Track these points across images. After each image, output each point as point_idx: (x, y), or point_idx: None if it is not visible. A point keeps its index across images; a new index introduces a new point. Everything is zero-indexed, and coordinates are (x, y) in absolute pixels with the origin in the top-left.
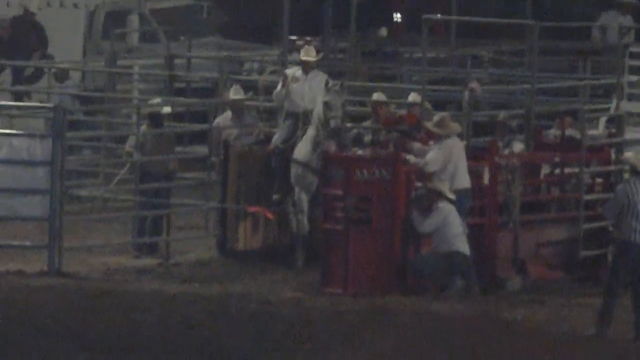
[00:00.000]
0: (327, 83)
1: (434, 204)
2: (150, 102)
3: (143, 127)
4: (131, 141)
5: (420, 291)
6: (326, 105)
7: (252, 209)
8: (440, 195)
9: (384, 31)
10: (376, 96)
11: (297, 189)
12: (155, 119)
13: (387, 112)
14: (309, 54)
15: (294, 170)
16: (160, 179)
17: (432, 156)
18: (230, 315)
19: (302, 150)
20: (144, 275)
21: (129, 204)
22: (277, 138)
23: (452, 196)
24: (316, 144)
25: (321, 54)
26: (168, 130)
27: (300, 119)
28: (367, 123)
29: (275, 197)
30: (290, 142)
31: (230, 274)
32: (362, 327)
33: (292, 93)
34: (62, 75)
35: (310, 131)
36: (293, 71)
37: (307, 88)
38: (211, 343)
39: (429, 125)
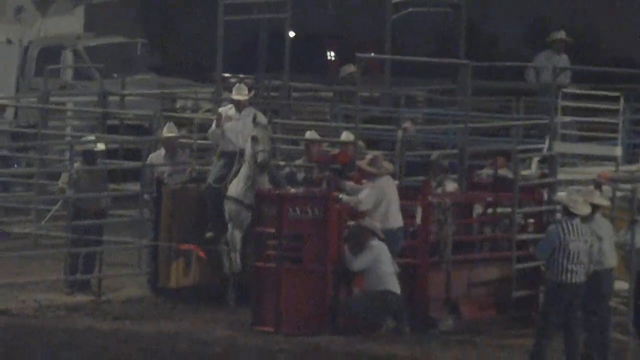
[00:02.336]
0: (254, 118)
1: (365, 243)
2: (83, 139)
3: (76, 164)
4: (64, 178)
5: (351, 330)
6: (253, 139)
7: (184, 247)
8: (372, 234)
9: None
10: (309, 134)
11: (230, 227)
12: (89, 156)
13: (320, 151)
14: (240, 93)
15: (228, 207)
16: (93, 216)
17: (365, 195)
18: (163, 354)
19: (235, 187)
20: (76, 312)
21: (61, 241)
22: (211, 176)
23: (382, 235)
24: (250, 181)
25: (253, 92)
26: (101, 168)
27: (235, 158)
28: (300, 161)
29: (208, 235)
30: (224, 180)
31: (163, 312)
32: None
33: (226, 132)
34: None
35: (244, 169)
36: (226, 109)
37: (241, 126)
38: None
39: (362, 164)
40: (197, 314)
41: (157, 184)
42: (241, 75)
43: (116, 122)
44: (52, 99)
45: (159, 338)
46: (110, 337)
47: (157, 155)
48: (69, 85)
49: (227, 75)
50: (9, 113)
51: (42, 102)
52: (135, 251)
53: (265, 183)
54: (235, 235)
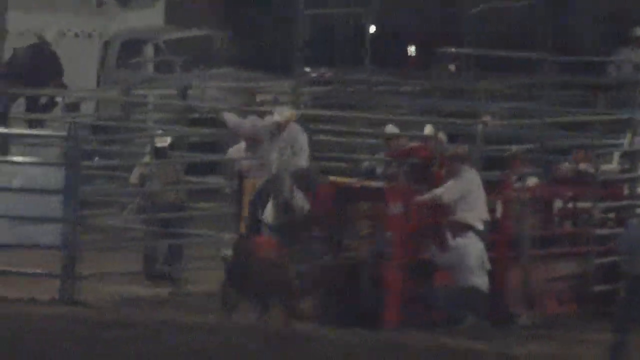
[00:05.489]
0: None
1: (456, 237)
2: (153, 133)
3: (146, 159)
4: (136, 173)
5: (431, 325)
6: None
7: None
8: (465, 228)
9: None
10: (389, 128)
11: None
12: (158, 152)
13: (400, 145)
14: (282, 115)
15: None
16: (167, 209)
17: (449, 186)
18: (243, 347)
19: (269, 211)
20: (157, 305)
21: (142, 233)
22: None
23: (480, 227)
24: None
25: (296, 113)
26: (174, 161)
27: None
28: (379, 155)
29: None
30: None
31: (242, 304)
32: None
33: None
34: (72, 106)
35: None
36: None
37: (280, 147)
38: None
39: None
40: (277, 307)
41: (238, 177)
42: (322, 70)
43: (197, 115)
44: (133, 92)
45: (239, 331)
46: (191, 330)
47: (238, 149)
48: (150, 79)
49: (307, 69)
50: (90, 106)
51: (124, 96)
52: (216, 244)
53: (299, 201)
54: None
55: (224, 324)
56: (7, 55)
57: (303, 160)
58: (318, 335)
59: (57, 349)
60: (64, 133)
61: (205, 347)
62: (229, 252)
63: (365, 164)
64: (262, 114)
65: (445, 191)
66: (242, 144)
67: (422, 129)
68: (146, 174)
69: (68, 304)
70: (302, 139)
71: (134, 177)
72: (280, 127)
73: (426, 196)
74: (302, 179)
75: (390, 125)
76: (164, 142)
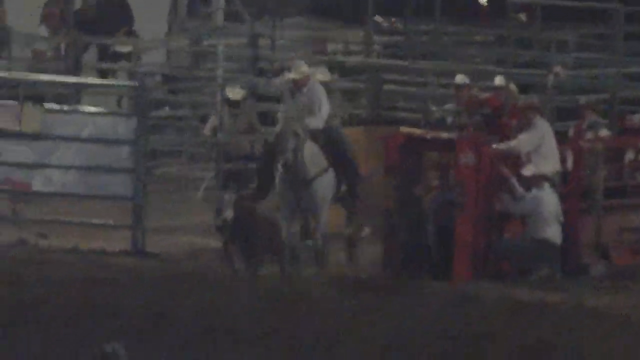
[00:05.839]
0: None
1: (531, 188)
2: (227, 88)
3: (220, 110)
4: (210, 124)
5: (501, 277)
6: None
7: None
8: (540, 179)
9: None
10: (459, 78)
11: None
12: (231, 104)
13: (470, 95)
14: (297, 71)
15: None
16: (241, 160)
17: (524, 137)
18: (314, 299)
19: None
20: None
21: (212, 183)
22: None
23: (554, 178)
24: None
25: (312, 70)
26: (247, 112)
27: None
28: (449, 105)
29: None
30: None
31: (310, 256)
32: (443, 312)
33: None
34: (129, 56)
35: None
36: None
37: (298, 105)
38: (297, 325)
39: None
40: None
41: None
42: (393, 19)
43: (267, 65)
44: (203, 41)
45: (308, 282)
46: (263, 281)
47: None
48: (220, 28)
49: (378, 18)
50: (160, 56)
51: (194, 45)
52: None
53: (307, 159)
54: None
55: (296, 274)
56: (77, 4)
57: (319, 121)
58: (385, 286)
59: (126, 301)
60: (134, 83)
61: (276, 296)
62: (228, 211)
63: (436, 114)
64: (332, 64)
65: (519, 143)
66: None
67: (492, 80)
68: (217, 125)
69: (140, 256)
70: (320, 97)
71: (207, 129)
72: (297, 85)
73: (500, 147)
74: (321, 139)
75: (460, 75)
76: (237, 94)
